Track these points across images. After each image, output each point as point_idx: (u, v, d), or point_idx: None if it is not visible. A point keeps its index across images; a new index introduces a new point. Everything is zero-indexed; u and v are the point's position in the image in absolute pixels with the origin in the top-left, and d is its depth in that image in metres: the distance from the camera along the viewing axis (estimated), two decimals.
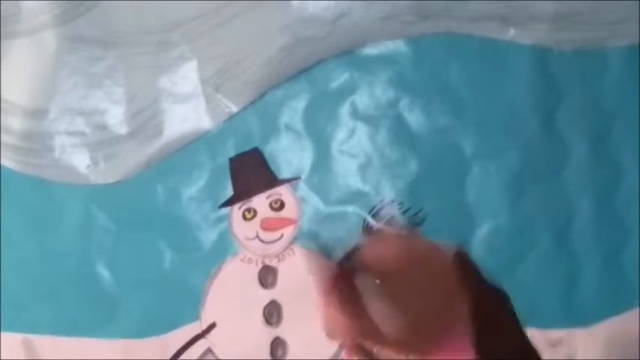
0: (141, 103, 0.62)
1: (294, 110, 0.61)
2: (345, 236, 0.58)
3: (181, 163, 0.61)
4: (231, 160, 0.61)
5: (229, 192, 0.60)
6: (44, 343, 0.61)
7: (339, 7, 0.60)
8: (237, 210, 0.60)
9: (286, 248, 0.59)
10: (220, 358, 0.59)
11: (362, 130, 0.59)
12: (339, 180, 0.59)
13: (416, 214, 0.58)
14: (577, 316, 0.55)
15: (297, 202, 0.59)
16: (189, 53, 0.61)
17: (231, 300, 0.59)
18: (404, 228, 0.58)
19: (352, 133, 0.60)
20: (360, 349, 0.35)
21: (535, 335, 0.54)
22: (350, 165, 0.59)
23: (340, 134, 0.60)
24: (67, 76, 0.62)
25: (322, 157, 0.60)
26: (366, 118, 0.59)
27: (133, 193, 0.61)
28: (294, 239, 0.59)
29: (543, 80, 0.58)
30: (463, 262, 0.36)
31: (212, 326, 0.59)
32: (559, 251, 0.56)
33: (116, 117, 0.62)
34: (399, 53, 0.60)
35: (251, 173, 0.60)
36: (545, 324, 0.55)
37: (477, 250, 0.56)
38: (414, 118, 0.59)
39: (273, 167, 0.60)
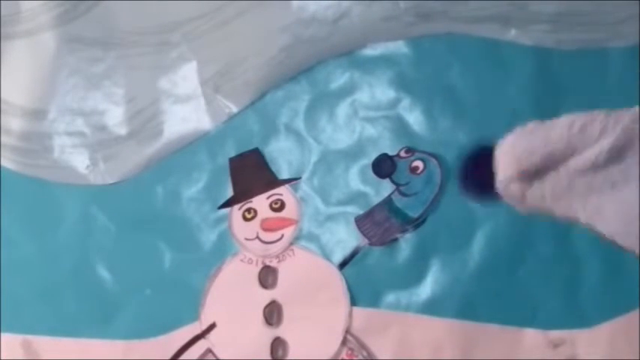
0: (140, 103, 0.62)
1: (294, 111, 0.61)
2: (346, 237, 0.58)
3: (181, 163, 0.61)
4: (231, 161, 0.61)
5: (229, 192, 0.60)
6: (44, 343, 0.61)
7: (339, 7, 0.60)
8: (237, 210, 0.60)
9: (286, 249, 0.59)
10: (220, 358, 0.58)
11: (362, 131, 0.59)
12: (339, 180, 0.59)
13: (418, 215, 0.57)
14: (579, 316, 0.55)
15: (298, 203, 0.59)
16: (189, 54, 0.62)
17: (231, 300, 0.59)
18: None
19: (353, 133, 0.59)
20: None
21: (536, 336, 0.54)
22: (350, 166, 0.59)
23: (341, 135, 0.60)
24: (66, 76, 0.62)
25: (322, 158, 0.60)
26: (367, 119, 0.59)
27: (133, 194, 0.62)
28: (295, 240, 0.59)
29: (544, 81, 0.57)
30: None
31: (212, 326, 0.59)
32: (561, 251, 0.56)
33: (116, 117, 0.62)
34: (400, 54, 0.59)
35: (251, 174, 0.60)
36: (546, 324, 0.55)
37: (478, 250, 0.56)
38: (415, 119, 0.59)
39: (273, 168, 0.60)
